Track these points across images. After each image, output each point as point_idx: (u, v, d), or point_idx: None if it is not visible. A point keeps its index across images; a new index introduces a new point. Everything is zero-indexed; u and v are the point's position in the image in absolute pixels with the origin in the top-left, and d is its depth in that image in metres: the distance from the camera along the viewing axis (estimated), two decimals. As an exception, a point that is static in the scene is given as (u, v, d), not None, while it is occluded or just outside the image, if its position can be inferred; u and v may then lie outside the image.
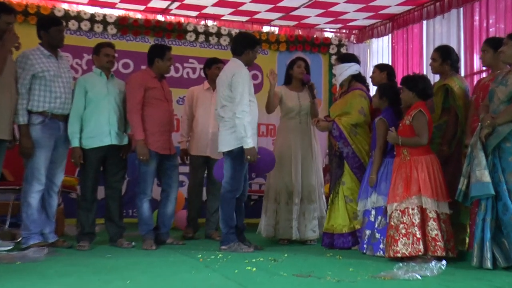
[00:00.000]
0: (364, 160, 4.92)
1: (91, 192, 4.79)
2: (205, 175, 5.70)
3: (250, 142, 4.51)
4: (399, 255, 4.10)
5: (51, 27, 4.58)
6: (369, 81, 5.33)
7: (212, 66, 5.66)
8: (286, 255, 4.38)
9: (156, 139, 4.89)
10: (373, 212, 4.58)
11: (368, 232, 4.58)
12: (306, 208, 5.24)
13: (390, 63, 7.30)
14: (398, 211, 4.18)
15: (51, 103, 4.51)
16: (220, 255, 4.30)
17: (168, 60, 4.99)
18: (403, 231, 4.12)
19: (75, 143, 4.68)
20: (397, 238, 4.12)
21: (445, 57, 4.62)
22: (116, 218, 4.88)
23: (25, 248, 4.34)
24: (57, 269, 3.65)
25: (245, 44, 4.72)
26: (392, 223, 4.19)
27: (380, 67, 5.26)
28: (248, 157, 4.52)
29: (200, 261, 4.03)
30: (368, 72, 7.69)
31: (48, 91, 4.49)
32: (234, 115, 4.52)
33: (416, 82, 4.34)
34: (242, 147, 4.56)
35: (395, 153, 4.42)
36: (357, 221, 4.87)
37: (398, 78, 6.60)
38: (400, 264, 3.67)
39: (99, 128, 4.74)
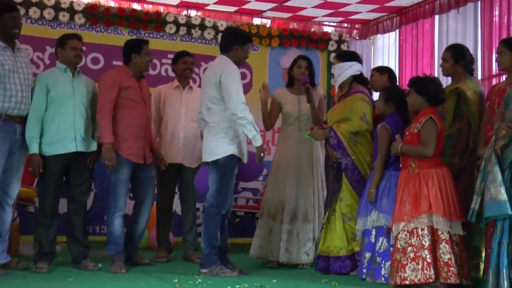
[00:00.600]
0: (365, 173, 4.94)
1: (52, 206, 4.76)
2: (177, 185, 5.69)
3: (260, 139, 4.61)
4: (407, 282, 4.10)
5: (3, 13, 4.54)
6: None
7: (179, 61, 5.67)
8: (274, 280, 4.39)
9: (129, 145, 4.89)
10: (373, 232, 4.60)
11: (368, 255, 4.59)
12: (300, 227, 5.23)
13: (397, 63, 7.39)
14: (406, 232, 4.19)
15: (5, 103, 4.47)
16: (199, 280, 4.30)
17: (146, 55, 5.03)
18: (412, 255, 4.12)
19: (34, 149, 4.64)
20: (405, 262, 4.13)
21: (457, 57, 4.66)
22: (80, 235, 4.85)
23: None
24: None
25: (234, 40, 4.75)
26: (399, 246, 4.20)
27: (380, 70, 5.31)
28: (261, 154, 4.62)
29: (176, 287, 4.01)
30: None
31: (2, 89, 4.45)
32: (235, 116, 4.55)
33: (426, 85, 4.37)
34: (230, 155, 4.60)
35: (400, 165, 4.43)
36: (356, 242, 4.87)
37: (406, 80, 6.68)
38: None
39: (62, 133, 4.72)
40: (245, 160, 4.75)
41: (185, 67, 5.61)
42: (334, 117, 5.09)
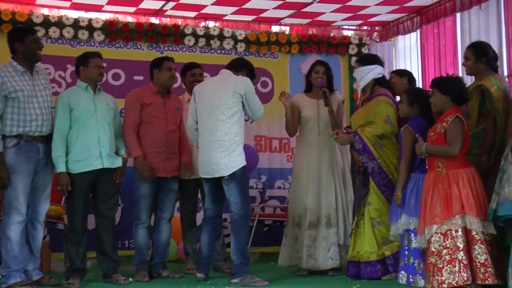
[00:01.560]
0: (392, 176, 4.96)
1: (81, 222, 4.85)
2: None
3: None
4: (445, 285, 4.09)
5: (26, 37, 4.64)
6: None
7: (187, 73, 5.70)
8: (306, 288, 4.42)
9: (149, 160, 5.08)
10: (405, 236, 4.64)
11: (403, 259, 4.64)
12: (324, 232, 5.28)
13: (419, 63, 7.38)
14: (439, 234, 4.19)
15: (26, 127, 4.57)
16: (228, 289, 4.35)
17: (167, 70, 5.22)
18: (447, 258, 4.13)
19: (61, 167, 4.75)
20: (441, 266, 4.13)
21: (479, 54, 4.67)
22: (110, 251, 4.94)
23: (5, 288, 4.41)
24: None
25: (245, 67, 4.99)
26: (433, 249, 4.20)
27: (400, 73, 5.37)
28: None
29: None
30: (394, 75, 7.77)
31: (22, 114, 4.56)
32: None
33: (450, 84, 4.38)
34: (244, 166, 4.77)
35: (426, 167, 4.46)
36: (387, 247, 4.90)
37: (429, 81, 6.67)
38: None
39: (88, 151, 4.82)
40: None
41: (193, 80, 5.64)
42: (358, 121, 5.13)
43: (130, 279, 4.91)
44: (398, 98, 5.40)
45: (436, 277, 4.13)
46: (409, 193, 4.60)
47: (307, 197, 5.33)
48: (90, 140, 4.84)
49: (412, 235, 4.58)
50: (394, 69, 7.69)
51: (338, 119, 5.44)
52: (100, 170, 4.86)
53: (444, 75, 4.83)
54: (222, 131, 4.74)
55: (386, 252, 4.91)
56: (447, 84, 4.39)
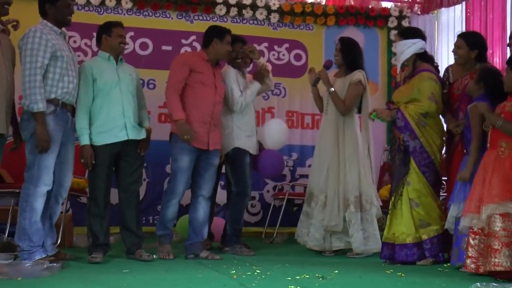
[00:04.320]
0: (434, 157, 4.90)
1: (104, 196, 4.86)
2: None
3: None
4: (500, 268, 4.00)
5: (58, 0, 4.62)
6: (443, 58, 5.24)
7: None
8: (336, 271, 4.36)
9: (193, 130, 4.97)
10: None
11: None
12: (317, 212, 5.43)
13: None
14: (498, 215, 4.10)
15: (64, 89, 4.55)
16: (258, 271, 4.31)
17: (227, 44, 5.18)
18: (504, 240, 4.04)
19: (85, 140, 4.75)
20: (498, 247, 4.04)
21: None
22: (134, 226, 4.94)
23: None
24: (64, 286, 3.72)
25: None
26: (491, 230, 4.11)
27: (469, 43, 4.90)
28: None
29: (234, 278, 4.04)
30: (437, 50, 7.60)
31: (63, 75, 4.54)
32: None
33: None
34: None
35: (488, 144, 4.35)
36: (424, 230, 4.84)
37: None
38: (478, 284, 3.61)
39: (112, 122, 4.81)
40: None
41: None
42: (402, 99, 5.04)
43: (154, 255, 4.90)
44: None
45: (492, 259, 4.04)
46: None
47: (317, 178, 5.51)
48: (115, 111, 4.82)
49: None
50: (436, 44, 7.58)
51: (339, 99, 5.37)
52: (124, 142, 4.84)
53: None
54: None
55: (423, 235, 4.84)
56: None
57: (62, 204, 5.41)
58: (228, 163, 5.40)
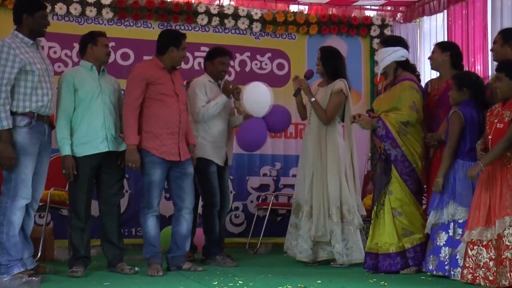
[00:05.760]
0: (416, 165, 4.93)
1: (85, 208, 4.83)
2: None
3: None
4: None
5: (37, 11, 4.59)
6: (426, 66, 5.30)
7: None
8: (319, 281, 4.37)
9: (162, 142, 4.93)
10: (451, 225, 4.57)
11: (448, 250, 4.56)
12: (302, 223, 5.44)
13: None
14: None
15: (39, 102, 4.53)
16: (240, 281, 4.31)
17: (183, 50, 5.08)
18: None
19: (66, 150, 4.72)
20: None
21: (507, 38, 4.62)
22: (115, 238, 4.91)
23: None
24: (44, 300, 3.71)
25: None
26: (508, 243, 4.08)
27: (442, 47, 5.16)
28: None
29: (216, 290, 4.05)
30: (419, 58, 7.66)
31: (35, 88, 4.52)
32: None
33: None
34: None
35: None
36: (407, 239, 4.85)
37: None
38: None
39: (93, 133, 4.79)
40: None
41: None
42: (382, 107, 5.06)
43: (136, 268, 4.87)
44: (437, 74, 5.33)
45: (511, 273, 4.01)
46: (458, 182, 4.52)
47: (298, 186, 5.56)
48: (96, 122, 4.81)
49: (456, 225, 4.54)
50: (419, 52, 7.63)
51: (320, 108, 5.39)
52: (105, 153, 4.82)
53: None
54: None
55: (407, 244, 4.86)
56: None
57: (43, 217, 5.45)
58: (195, 173, 5.21)
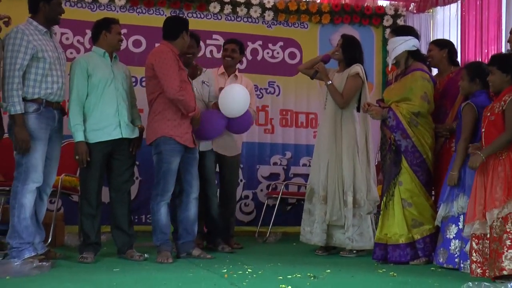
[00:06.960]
0: (426, 156, 4.91)
1: (96, 195, 4.85)
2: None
3: None
4: (505, 272, 3.96)
5: None
6: None
7: (224, 46, 5.88)
8: (328, 270, 4.37)
9: (185, 130, 4.93)
10: (461, 218, 4.54)
11: (458, 243, 4.54)
12: (314, 208, 5.46)
13: (458, 37, 7.21)
14: (500, 219, 4.06)
15: (48, 89, 4.58)
16: (249, 270, 4.32)
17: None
18: (508, 243, 3.99)
19: (80, 136, 4.74)
20: (501, 251, 4.00)
21: None
22: (125, 225, 4.94)
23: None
24: (54, 286, 3.71)
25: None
26: (495, 235, 4.07)
27: (439, 44, 5.24)
28: None
29: (225, 277, 4.05)
30: (431, 49, 7.62)
31: (45, 75, 4.56)
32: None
33: None
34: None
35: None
36: (417, 230, 4.85)
37: (468, 56, 6.52)
38: (470, 283, 3.61)
39: (106, 119, 4.80)
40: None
41: (224, 54, 5.78)
42: (392, 97, 5.04)
43: (145, 255, 4.89)
44: (435, 71, 5.33)
45: (497, 264, 4.00)
46: (468, 175, 4.47)
47: (313, 172, 5.56)
48: (109, 109, 4.82)
49: None
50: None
51: (337, 93, 5.39)
52: (117, 140, 4.84)
53: (506, 52, 4.71)
54: None
55: (416, 235, 4.85)
56: (508, 62, 4.26)
57: (54, 202, 5.47)
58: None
